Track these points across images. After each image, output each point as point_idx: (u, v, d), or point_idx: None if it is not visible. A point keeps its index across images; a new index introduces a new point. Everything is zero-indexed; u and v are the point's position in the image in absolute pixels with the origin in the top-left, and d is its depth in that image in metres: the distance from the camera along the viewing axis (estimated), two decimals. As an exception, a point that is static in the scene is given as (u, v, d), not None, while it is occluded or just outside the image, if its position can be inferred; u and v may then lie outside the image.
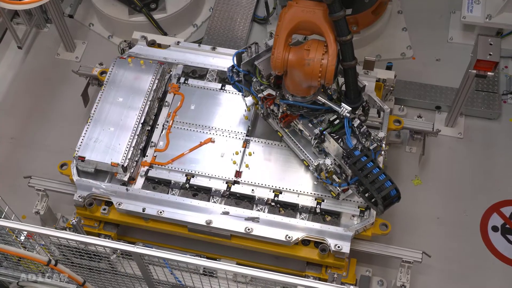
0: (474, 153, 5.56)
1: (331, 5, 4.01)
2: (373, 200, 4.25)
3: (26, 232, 3.74)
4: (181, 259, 3.30)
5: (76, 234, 3.48)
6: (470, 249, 5.12)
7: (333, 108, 4.48)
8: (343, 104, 4.41)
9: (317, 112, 4.60)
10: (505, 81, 5.87)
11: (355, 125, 4.41)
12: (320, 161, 4.56)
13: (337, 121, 4.49)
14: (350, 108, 4.39)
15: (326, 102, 4.51)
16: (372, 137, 4.44)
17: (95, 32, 6.42)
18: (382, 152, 4.55)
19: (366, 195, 4.28)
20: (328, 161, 4.50)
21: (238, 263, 4.91)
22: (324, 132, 4.48)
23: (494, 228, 5.19)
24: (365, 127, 4.43)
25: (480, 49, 4.80)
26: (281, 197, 4.76)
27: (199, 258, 3.63)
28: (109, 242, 3.39)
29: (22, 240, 3.79)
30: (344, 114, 4.40)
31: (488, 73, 4.85)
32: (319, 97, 4.53)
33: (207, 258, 4.89)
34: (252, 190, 4.79)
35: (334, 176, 4.53)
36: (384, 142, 4.52)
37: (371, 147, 4.42)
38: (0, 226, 3.40)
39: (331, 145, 4.46)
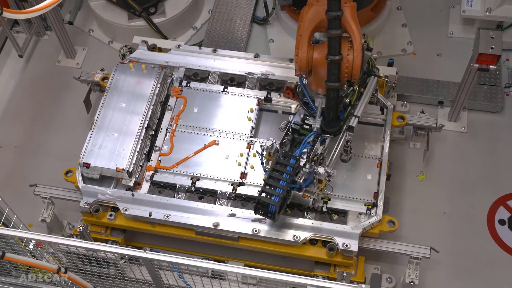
0: (478, 147, 5.56)
1: (331, 21, 3.96)
2: None
3: (34, 241, 3.74)
4: (191, 263, 3.30)
5: (85, 241, 3.47)
6: (477, 243, 5.12)
7: (312, 115, 4.53)
8: (318, 119, 4.45)
9: (306, 108, 4.62)
10: (507, 74, 5.86)
11: (309, 141, 4.46)
12: (266, 140, 4.49)
13: (308, 127, 4.53)
14: (319, 127, 4.45)
15: (317, 106, 4.52)
16: (312, 164, 4.40)
17: (95, 38, 6.41)
18: (316, 188, 4.54)
19: None
20: (269, 143, 4.46)
21: (246, 265, 4.91)
22: (291, 124, 4.59)
23: (501, 222, 5.19)
24: (311, 152, 4.43)
25: (482, 43, 4.79)
26: (288, 197, 4.75)
27: (208, 261, 3.63)
28: (119, 248, 3.39)
29: (31, 249, 3.78)
30: (313, 127, 4.47)
31: (491, 66, 4.84)
32: (318, 98, 4.54)
33: (215, 260, 4.89)
34: (258, 191, 4.78)
35: (270, 162, 4.53)
36: (324, 178, 4.44)
37: (304, 169, 4.39)
38: (9, 236, 3.39)
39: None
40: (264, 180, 4.44)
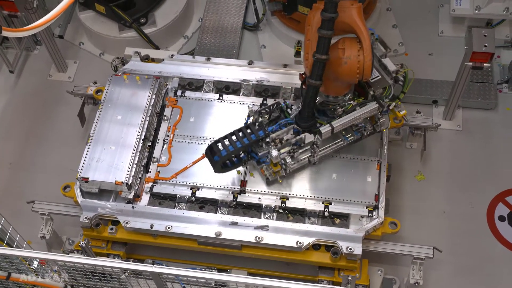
0: (474, 144, 5.59)
1: (325, 21, 4.00)
2: None
3: (38, 259, 3.69)
4: (200, 275, 3.28)
5: (95, 258, 3.44)
6: (479, 240, 5.14)
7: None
8: (297, 110, 4.54)
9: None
10: (498, 71, 5.90)
11: (282, 124, 4.57)
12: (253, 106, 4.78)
13: (289, 111, 4.66)
14: (293, 115, 4.54)
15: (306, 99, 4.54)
16: (271, 145, 4.52)
17: (86, 51, 6.37)
18: (269, 168, 4.67)
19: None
20: (255, 108, 4.67)
21: (249, 273, 4.90)
22: (282, 104, 4.70)
23: (501, 218, 5.21)
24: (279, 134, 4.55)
25: (475, 41, 4.81)
26: (288, 203, 4.74)
27: (214, 272, 3.61)
28: (128, 264, 3.36)
29: (35, 267, 3.73)
30: (291, 113, 4.59)
31: (485, 64, 4.87)
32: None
33: (218, 269, 4.88)
34: (259, 198, 4.77)
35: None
36: (275, 161, 4.56)
37: (264, 146, 4.54)
38: (15, 256, 3.35)
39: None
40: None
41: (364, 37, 4.16)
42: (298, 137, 4.58)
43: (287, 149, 4.60)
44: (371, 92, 4.47)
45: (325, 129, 4.49)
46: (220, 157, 4.48)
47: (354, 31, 4.20)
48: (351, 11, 4.12)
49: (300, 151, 4.68)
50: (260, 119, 4.64)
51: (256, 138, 4.51)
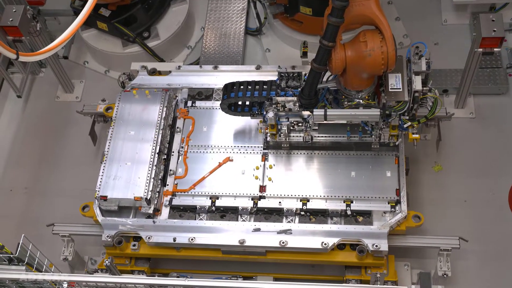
0: (489, 130, 5.56)
1: (337, 9, 4.01)
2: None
3: (66, 283, 3.66)
4: (234, 285, 3.25)
5: (130, 276, 3.41)
6: (503, 227, 5.09)
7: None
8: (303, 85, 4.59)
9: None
10: (506, 55, 5.87)
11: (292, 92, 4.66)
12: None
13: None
14: (298, 92, 4.60)
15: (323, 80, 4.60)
16: (273, 105, 4.64)
17: (91, 69, 6.36)
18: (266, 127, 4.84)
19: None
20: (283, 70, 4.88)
21: (275, 278, 4.87)
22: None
23: (523, 202, 5.18)
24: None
25: (483, 27, 4.78)
26: (309, 205, 4.72)
27: (241, 280, 3.57)
28: (161, 280, 3.33)
29: (65, 290, 3.71)
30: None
31: (495, 49, 4.84)
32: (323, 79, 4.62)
33: (243, 277, 4.85)
34: (279, 202, 4.75)
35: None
36: (268, 122, 4.70)
37: (266, 102, 4.66)
38: (48, 281, 3.32)
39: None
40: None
41: (385, 28, 4.18)
42: (298, 109, 4.62)
43: (283, 113, 4.66)
44: (383, 100, 4.43)
45: (318, 112, 4.52)
46: (228, 97, 4.71)
47: (374, 23, 4.21)
48: (369, 4, 4.14)
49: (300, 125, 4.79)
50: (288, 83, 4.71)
51: (266, 95, 4.64)
